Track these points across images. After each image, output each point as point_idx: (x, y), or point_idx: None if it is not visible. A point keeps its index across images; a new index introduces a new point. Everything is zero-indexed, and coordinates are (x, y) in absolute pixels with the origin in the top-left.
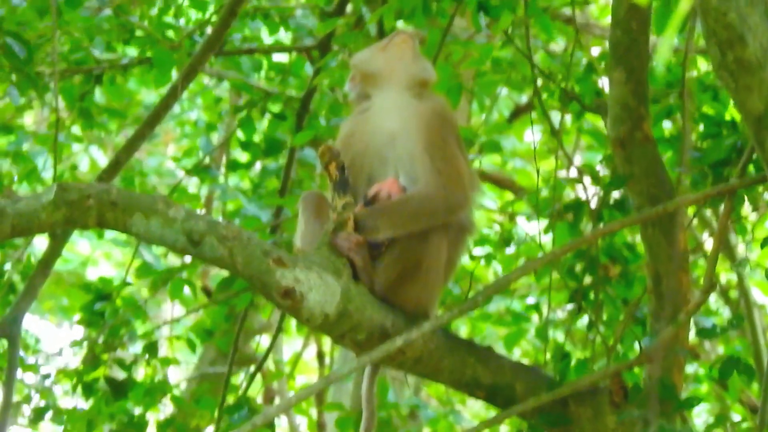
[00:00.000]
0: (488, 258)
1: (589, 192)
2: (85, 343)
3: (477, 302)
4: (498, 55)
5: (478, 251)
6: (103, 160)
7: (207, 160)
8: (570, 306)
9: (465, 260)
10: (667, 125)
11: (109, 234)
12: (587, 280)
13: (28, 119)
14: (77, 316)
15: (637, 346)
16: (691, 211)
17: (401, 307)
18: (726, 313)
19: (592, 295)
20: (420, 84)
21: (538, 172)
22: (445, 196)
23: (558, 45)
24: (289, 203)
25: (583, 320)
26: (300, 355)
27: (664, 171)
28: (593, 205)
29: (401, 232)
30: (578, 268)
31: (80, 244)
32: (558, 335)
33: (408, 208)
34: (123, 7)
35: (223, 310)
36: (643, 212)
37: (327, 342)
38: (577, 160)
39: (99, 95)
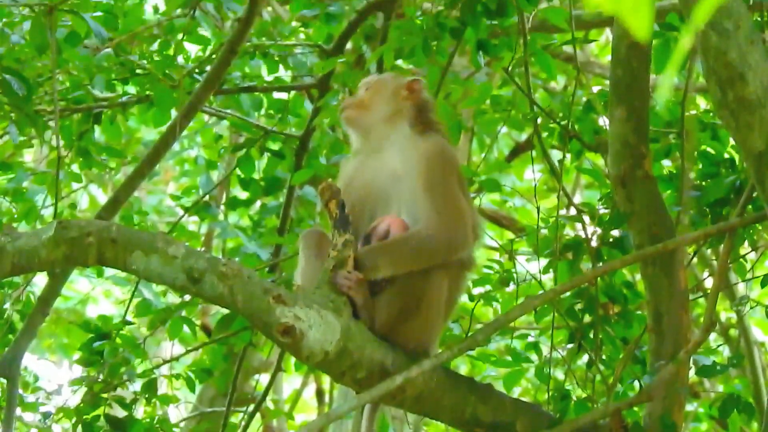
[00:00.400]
0: (488, 297)
1: (588, 230)
2: (85, 382)
3: (477, 340)
4: (498, 93)
5: (478, 290)
6: (102, 197)
7: (207, 197)
8: (570, 345)
9: (465, 298)
10: (666, 163)
11: (109, 272)
12: (587, 318)
13: (28, 157)
14: (77, 355)
15: (637, 384)
16: (691, 249)
17: (401, 345)
18: (726, 351)
19: (591, 334)
20: (422, 121)
21: (538, 210)
22: (446, 235)
23: (558, 83)
24: (288, 241)
25: (583, 359)
26: (299, 393)
27: (665, 209)
28: (593, 243)
29: (401, 270)
30: (578, 306)
31: (79, 283)
32: (558, 374)
33: (408, 247)
34: (122, 45)
35: (221, 349)
36: (644, 250)
37: (326, 380)
38: (577, 198)
39: (98, 133)
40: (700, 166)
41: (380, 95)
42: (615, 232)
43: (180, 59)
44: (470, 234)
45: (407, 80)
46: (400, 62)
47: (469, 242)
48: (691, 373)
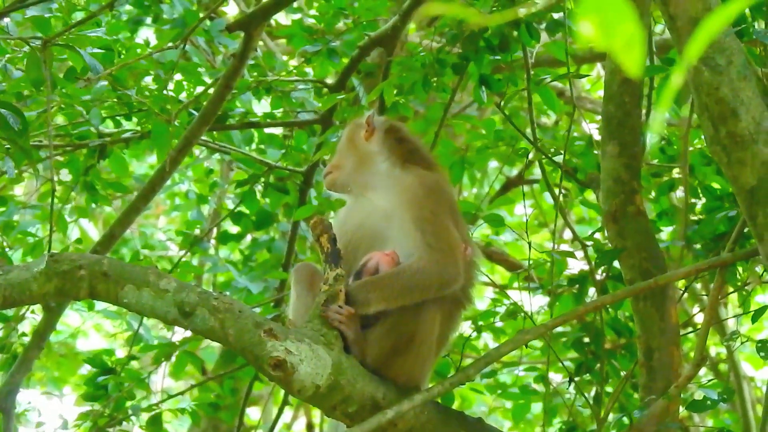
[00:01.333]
0: (495, 330)
1: (592, 264)
2: (90, 416)
3: (468, 375)
4: (500, 128)
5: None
6: (93, 232)
7: (197, 232)
8: (566, 379)
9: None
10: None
11: (100, 305)
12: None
13: (18, 190)
14: (68, 387)
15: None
16: (681, 285)
17: (393, 379)
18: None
19: (596, 368)
20: (400, 155)
21: (530, 245)
22: (437, 269)
23: (549, 118)
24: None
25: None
26: (290, 427)
27: (656, 245)
28: (597, 276)
29: (393, 305)
30: (585, 339)
31: (69, 316)
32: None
33: (400, 282)
34: (120, 79)
35: (229, 384)
36: (635, 286)
37: (317, 413)
38: (567, 234)
39: (101, 168)
40: (704, 200)
41: (346, 149)
42: (617, 264)
43: (182, 95)
44: (462, 266)
45: (362, 119)
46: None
47: (460, 275)
48: (682, 408)
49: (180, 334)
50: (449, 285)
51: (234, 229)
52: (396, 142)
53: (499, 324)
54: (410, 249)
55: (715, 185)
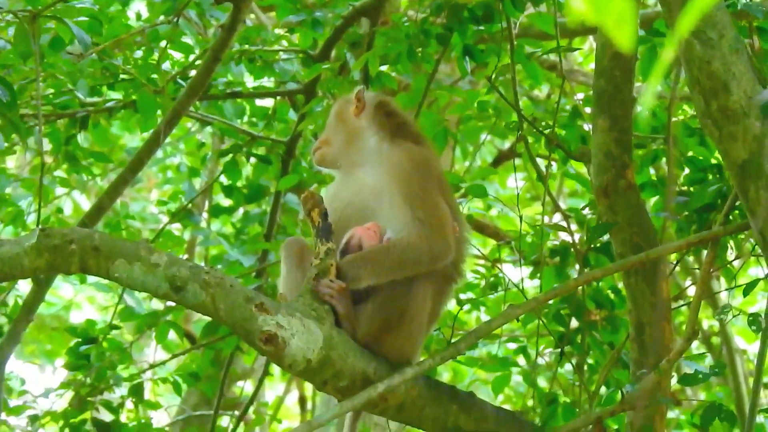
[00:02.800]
0: (475, 303)
1: (574, 236)
2: (72, 386)
3: (459, 349)
4: (484, 99)
5: (463, 297)
6: (85, 204)
7: (189, 205)
8: (553, 350)
9: (452, 304)
10: (652, 170)
11: (92, 278)
12: (573, 324)
13: (11, 163)
14: (60, 360)
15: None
16: (673, 258)
17: (384, 354)
18: (708, 359)
19: (578, 340)
20: (389, 129)
21: (521, 218)
22: (428, 244)
23: (541, 91)
24: (274, 248)
25: (568, 366)
26: (282, 400)
27: (648, 219)
28: (580, 248)
29: (384, 280)
30: (565, 312)
31: (63, 288)
32: (543, 381)
33: (390, 257)
34: (107, 51)
35: (209, 354)
36: (626, 260)
37: (309, 387)
38: (562, 207)
39: (83, 139)
40: (687, 171)
41: (335, 125)
42: (604, 238)
43: (166, 65)
44: (452, 241)
45: (352, 95)
46: (384, 68)
47: (451, 249)
48: (674, 381)
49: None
50: (440, 259)
51: (226, 202)
52: (385, 117)
53: (489, 297)
54: (400, 225)
55: (700, 157)
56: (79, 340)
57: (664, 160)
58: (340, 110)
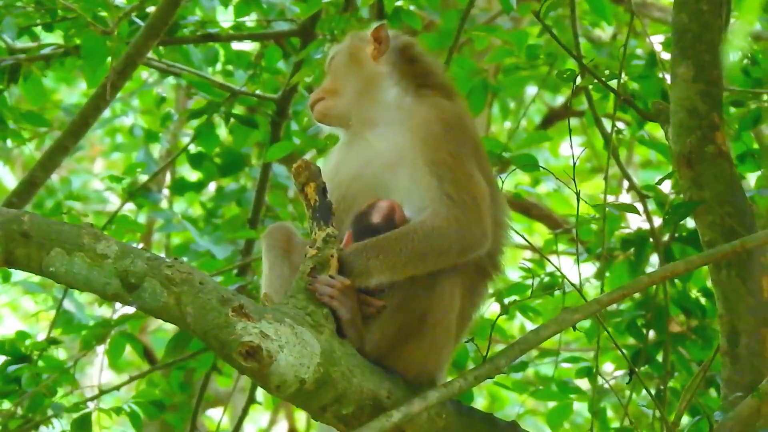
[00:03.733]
0: (520, 308)
1: (653, 221)
2: None
3: (498, 366)
4: (535, 42)
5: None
6: (9, 179)
7: (144, 178)
8: (625, 372)
9: (495, 307)
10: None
11: (18, 275)
12: (652, 337)
13: None
14: None
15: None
16: None
17: (400, 372)
18: None
19: (658, 357)
20: (414, 79)
21: (578, 196)
22: (458, 229)
23: (604, 31)
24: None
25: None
26: None
27: (744, 197)
28: (658, 237)
29: (400, 275)
30: (641, 322)
31: None
32: (610, 411)
33: (410, 245)
34: None
35: (177, 376)
36: (715, 250)
37: (302, 417)
38: (626, 183)
39: (9, 95)
40: None
41: (345, 69)
42: (691, 224)
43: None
44: (489, 225)
45: (369, 33)
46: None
47: (487, 236)
48: None
49: (123, 312)
50: (473, 249)
51: (193, 176)
52: (408, 63)
53: (536, 301)
54: (424, 202)
55: None
56: (8, 358)
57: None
58: (353, 50)
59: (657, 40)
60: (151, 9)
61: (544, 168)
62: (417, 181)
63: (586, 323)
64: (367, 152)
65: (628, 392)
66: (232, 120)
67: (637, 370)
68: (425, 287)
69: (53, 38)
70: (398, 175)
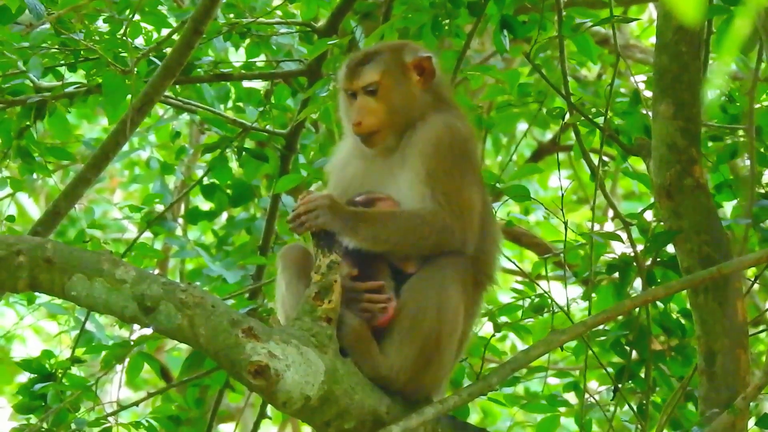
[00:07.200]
0: (512, 328)
1: (635, 247)
2: None
3: (491, 384)
4: (526, 80)
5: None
6: (33, 209)
7: (159, 208)
8: (608, 387)
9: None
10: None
11: (41, 298)
12: (635, 355)
13: None
14: (4, 399)
15: None
16: (751, 274)
17: (404, 390)
18: None
19: (641, 374)
20: (433, 103)
21: (566, 225)
22: (442, 226)
23: (590, 71)
24: (271, 262)
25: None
26: None
27: (720, 226)
28: (641, 262)
29: (381, 247)
30: (625, 341)
31: (5, 316)
32: (595, 426)
33: (395, 224)
34: (64, 22)
35: (193, 392)
36: (693, 275)
37: (307, 431)
38: (610, 212)
39: (36, 130)
40: None
41: (392, 88)
42: (671, 249)
43: (139, 40)
44: (473, 234)
45: (417, 57)
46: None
47: (467, 242)
48: (751, 423)
49: (140, 333)
50: (448, 246)
51: (206, 206)
52: (436, 86)
53: (527, 321)
54: (416, 204)
55: None
56: (34, 376)
57: (744, 155)
58: (402, 69)
59: (640, 80)
60: (168, 50)
61: (534, 199)
62: (414, 189)
63: (573, 342)
64: (376, 165)
65: (612, 407)
66: (243, 153)
67: (620, 386)
68: (436, 307)
69: (76, 77)
70: (399, 181)
